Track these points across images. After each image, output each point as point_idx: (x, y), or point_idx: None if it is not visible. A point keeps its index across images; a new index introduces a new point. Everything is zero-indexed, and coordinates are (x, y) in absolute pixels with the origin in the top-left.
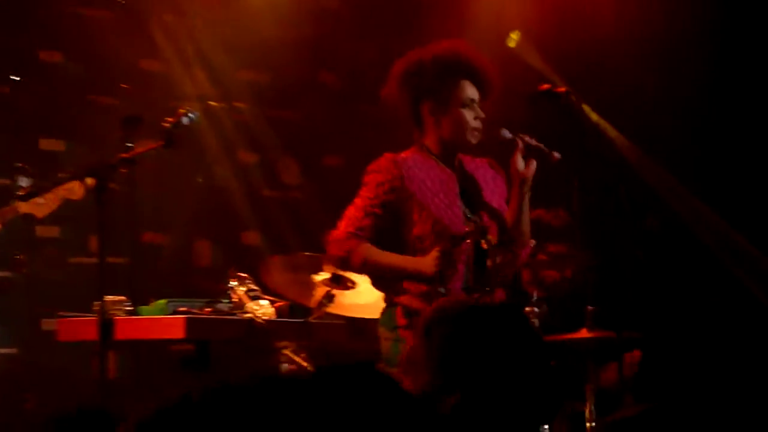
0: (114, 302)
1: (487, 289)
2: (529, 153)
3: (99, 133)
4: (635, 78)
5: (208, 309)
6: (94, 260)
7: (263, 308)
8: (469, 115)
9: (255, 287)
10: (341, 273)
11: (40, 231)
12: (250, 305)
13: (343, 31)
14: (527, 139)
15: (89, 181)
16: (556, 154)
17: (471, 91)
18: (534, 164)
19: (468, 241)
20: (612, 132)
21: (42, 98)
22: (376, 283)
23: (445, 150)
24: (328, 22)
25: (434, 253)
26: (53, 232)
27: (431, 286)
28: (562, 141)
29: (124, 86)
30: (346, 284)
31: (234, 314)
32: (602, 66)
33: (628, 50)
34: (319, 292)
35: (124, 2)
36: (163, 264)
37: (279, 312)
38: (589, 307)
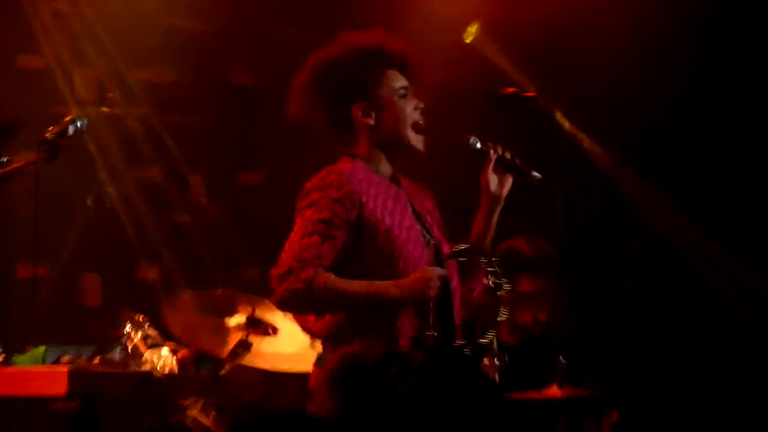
0: None
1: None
2: (502, 167)
3: None
4: (610, 77)
5: (97, 358)
6: None
7: (163, 358)
8: (407, 105)
9: (153, 332)
10: (259, 317)
11: None
12: (148, 354)
13: (260, 19)
14: (501, 151)
15: None
16: (537, 175)
17: (401, 80)
18: (509, 181)
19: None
20: (587, 141)
21: None
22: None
23: (387, 158)
24: (242, 8)
25: (428, 273)
26: None
27: (420, 317)
28: (531, 153)
29: None
30: (265, 329)
31: (128, 365)
32: (573, 64)
33: (602, 44)
34: (233, 338)
35: None
36: (42, 303)
37: (183, 363)
38: (562, 360)
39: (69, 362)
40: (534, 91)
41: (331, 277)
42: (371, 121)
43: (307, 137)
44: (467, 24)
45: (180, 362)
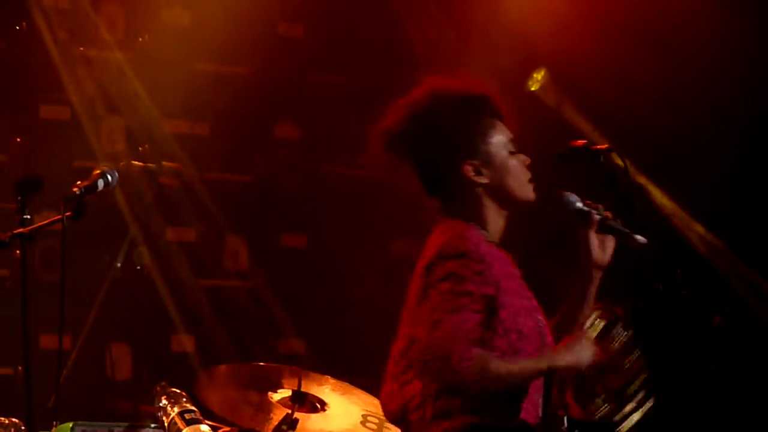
0: (4, 426)
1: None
2: (605, 231)
3: None
4: (683, 131)
5: None
6: None
7: None
8: (518, 159)
9: (192, 408)
10: (306, 391)
11: None
12: (187, 431)
13: (306, 67)
14: (603, 213)
15: None
16: (641, 239)
17: (507, 132)
18: (612, 246)
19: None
20: (664, 200)
21: None
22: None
23: (498, 220)
24: (288, 55)
25: (580, 340)
26: None
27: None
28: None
29: (19, 140)
30: (313, 405)
31: None
32: (647, 117)
33: (674, 97)
34: (277, 414)
35: (20, 28)
36: (68, 376)
37: None
38: None
39: None
40: (605, 143)
41: (485, 358)
42: (485, 180)
43: (352, 199)
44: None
45: None
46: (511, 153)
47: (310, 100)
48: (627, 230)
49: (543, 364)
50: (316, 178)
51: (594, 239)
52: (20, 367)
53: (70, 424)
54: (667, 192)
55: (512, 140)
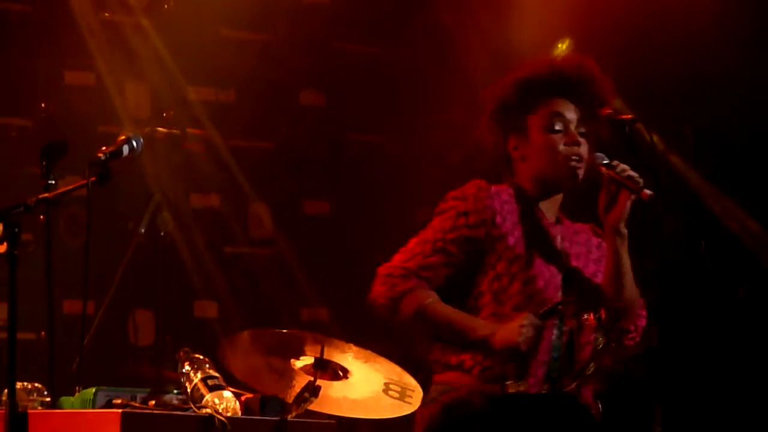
0: (28, 391)
1: (578, 381)
2: (615, 185)
3: (8, 166)
4: (714, 102)
5: (153, 401)
6: (0, 335)
7: (226, 402)
8: (558, 140)
9: (215, 374)
10: (328, 359)
11: None
12: (210, 397)
13: (332, 35)
14: (617, 166)
15: None
16: (648, 192)
17: (563, 109)
18: (626, 202)
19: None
20: (687, 170)
21: None
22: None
23: (543, 193)
24: (313, 23)
25: (523, 320)
26: None
27: (505, 366)
28: None
29: (44, 105)
30: (335, 373)
31: (187, 409)
32: (673, 86)
33: (706, 67)
34: (300, 382)
35: None
36: (91, 341)
37: (247, 407)
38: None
39: (121, 405)
40: (630, 113)
41: (427, 299)
42: (521, 159)
43: (375, 166)
44: (556, 41)
45: (244, 406)
46: (554, 131)
47: (336, 68)
48: (633, 182)
49: (479, 332)
50: (341, 146)
51: (604, 199)
52: (43, 332)
53: (93, 390)
54: (692, 165)
55: (562, 119)
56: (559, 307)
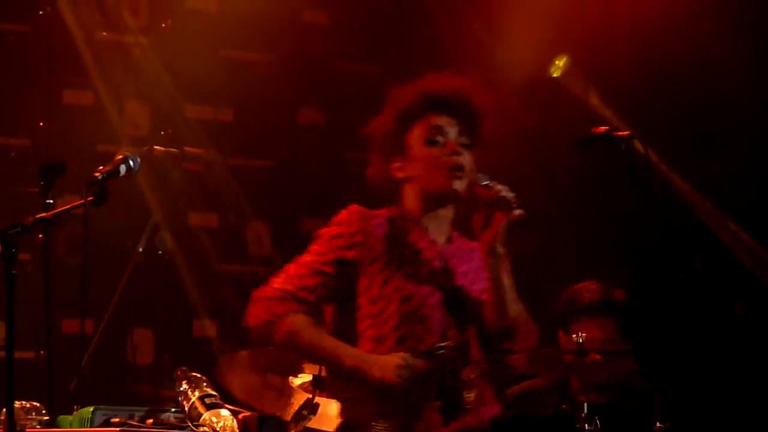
0: (26, 410)
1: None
2: (492, 206)
3: (7, 185)
4: (712, 120)
5: (150, 420)
6: None
7: (224, 420)
8: (437, 151)
9: (213, 392)
10: (326, 376)
11: None
12: (207, 416)
13: (331, 54)
14: (493, 187)
15: None
16: (517, 212)
17: (440, 121)
18: (501, 222)
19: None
20: (686, 188)
21: None
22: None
23: (429, 211)
24: (312, 42)
25: (401, 360)
26: None
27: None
28: (622, 198)
29: (42, 124)
30: None
31: (185, 427)
32: (674, 104)
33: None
34: (298, 399)
35: (44, 12)
36: (90, 360)
37: (245, 425)
38: (658, 425)
39: (119, 424)
40: (627, 130)
41: (301, 324)
42: (406, 175)
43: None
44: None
45: (241, 424)
46: (432, 143)
47: (334, 87)
48: (504, 201)
49: (350, 362)
50: (340, 164)
51: (479, 218)
52: (42, 351)
53: (91, 408)
54: (688, 179)
55: (439, 129)
56: (442, 350)
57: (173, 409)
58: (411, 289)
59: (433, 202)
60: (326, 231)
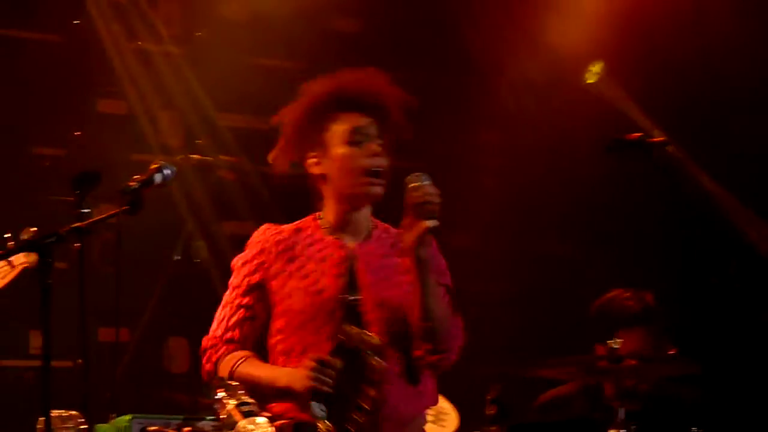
0: (63, 419)
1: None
2: (413, 210)
3: (42, 195)
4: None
5: (187, 428)
6: (35, 363)
7: (260, 428)
8: (358, 153)
9: (249, 400)
10: None
11: None
12: (243, 424)
13: (363, 61)
14: (418, 189)
15: (28, 258)
16: (428, 223)
17: (360, 122)
18: (418, 228)
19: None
20: (722, 195)
21: None
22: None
23: (347, 210)
24: (344, 50)
25: (307, 363)
26: None
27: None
28: (657, 205)
29: (76, 134)
30: None
31: None
32: (709, 110)
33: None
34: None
35: (77, 22)
36: (126, 369)
37: None
38: (694, 430)
39: None
40: (661, 136)
41: (234, 362)
42: (320, 171)
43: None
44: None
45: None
46: (353, 144)
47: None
48: (419, 207)
49: (280, 383)
50: None
51: (406, 221)
52: (79, 360)
53: (128, 417)
54: (722, 184)
55: (359, 131)
56: (341, 340)
57: (209, 418)
58: (308, 300)
59: (348, 203)
60: (237, 259)
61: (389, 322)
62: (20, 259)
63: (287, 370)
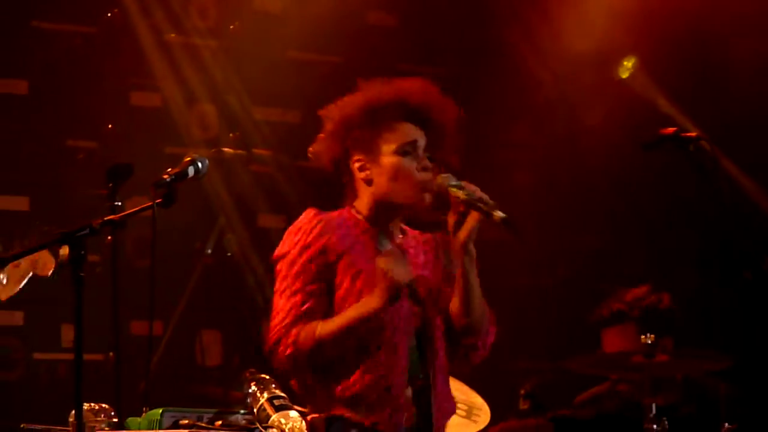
0: (95, 412)
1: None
2: (466, 207)
3: (75, 187)
4: None
5: (219, 422)
6: (68, 356)
7: (292, 422)
8: (409, 163)
9: (281, 394)
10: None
11: None
12: (276, 417)
13: (397, 56)
14: (466, 187)
15: (62, 251)
16: (498, 214)
17: (412, 134)
18: (473, 223)
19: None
20: (755, 190)
21: None
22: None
23: (380, 215)
24: (379, 44)
25: (380, 274)
26: (15, 319)
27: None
28: (691, 200)
29: (110, 126)
30: None
31: (254, 429)
32: (740, 106)
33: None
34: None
35: (111, 14)
36: (159, 362)
37: (312, 427)
38: (726, 425)
39: (188, 426)
40: (695, 131)
41: (318, 324)
42: (366, 176)
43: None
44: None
45: (310, 426)
46: (406, 156)
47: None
48: (484, 204)
49: (363, 308)
50: None
51: (452, 219)
52: (111, 353)
53: (160, 410)
54: (757, 180)
55: (413, 144)
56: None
57: (242, 411)
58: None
59: (390, 209)
60: (290, 249)
61: (442, 309)
62: (25, 266)
63: (362, 300)
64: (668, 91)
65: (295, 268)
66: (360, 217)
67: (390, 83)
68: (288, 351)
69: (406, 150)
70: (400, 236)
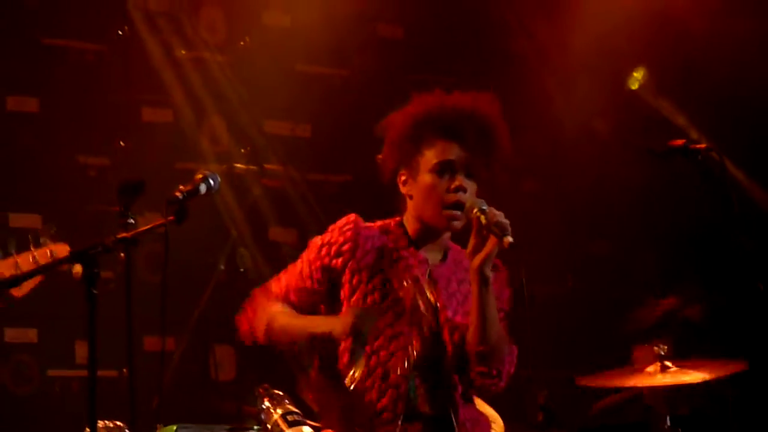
0: (109, 429)
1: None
2: (486, 231)
3: (88, 204)
4: None
5: None
6: (81, 373)
7: None
8: (440, 182)
9: (295, 410)
10: None
11: (11, 335)
12: None
13: (406, 68)
14: (488, 212)
15: (75, 269)
16: (508, 239)
17: (450, 152)
18: (491, 247)
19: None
20: (764, 197)
21: (7, 157)
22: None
23: (422, 232)
24: (388, 57)
25: (348, 311)
26: (29, 336)
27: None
28: (700, 207)
29: (121, 143)
30: None
31: None
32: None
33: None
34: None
35: (122, 33)
36: (172, 378)
37: None
38: None
39: None
40: (705, 142)
41: (282, 308)
42: (407, 191)
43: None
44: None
45: None
46: (438, 174)
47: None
48: (497, 228)
49: (322, 324)
50: None
51: (471, 243)
52: (125, 369)
53: (174, 427)
54: (765, 188)
55: (447, 162)
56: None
57: (256, 427)
58: (390, 303)
59: (427, 228)
60: (318, 239)
61: (456, 346)
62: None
63: (328, 317)
64: (677, 100)
65: (310, 255)
66: (401, 231)
67: (441, 96)
68: (249, 312)
69: (442, 168)
70: (439, 261)
